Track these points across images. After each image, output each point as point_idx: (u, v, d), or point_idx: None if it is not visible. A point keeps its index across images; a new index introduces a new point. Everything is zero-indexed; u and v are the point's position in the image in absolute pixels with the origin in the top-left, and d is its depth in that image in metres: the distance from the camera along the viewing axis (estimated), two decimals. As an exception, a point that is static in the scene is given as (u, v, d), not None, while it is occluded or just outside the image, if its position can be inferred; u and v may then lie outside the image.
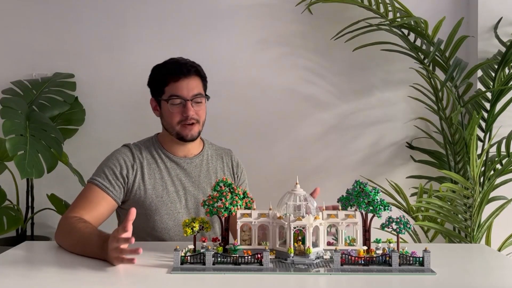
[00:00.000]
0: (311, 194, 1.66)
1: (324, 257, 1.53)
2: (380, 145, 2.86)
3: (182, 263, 1.45)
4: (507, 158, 2.43)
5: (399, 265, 1.45)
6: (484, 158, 2.47)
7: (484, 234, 2.42)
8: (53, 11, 2.83)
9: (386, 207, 1.51)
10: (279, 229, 1.53)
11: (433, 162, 2.74)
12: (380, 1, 2.64)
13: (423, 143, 2.82)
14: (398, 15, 2.61)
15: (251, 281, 1.38)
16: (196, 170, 1.99)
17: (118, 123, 2.83)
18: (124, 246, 1.44)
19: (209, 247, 1.49)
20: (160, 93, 1.94)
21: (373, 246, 1.54)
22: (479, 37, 2.71)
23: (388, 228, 1.49)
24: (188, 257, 1.46)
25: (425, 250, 1.47)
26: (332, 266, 1.45)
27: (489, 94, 2.57)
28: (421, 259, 1.46)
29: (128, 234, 1.44)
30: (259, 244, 1.54)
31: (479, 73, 2.62)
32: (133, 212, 1.48)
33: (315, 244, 1.52)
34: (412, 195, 2.66)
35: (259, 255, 1.45)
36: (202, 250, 1.47)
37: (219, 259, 1.46)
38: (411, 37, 2.65)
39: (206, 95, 1.98)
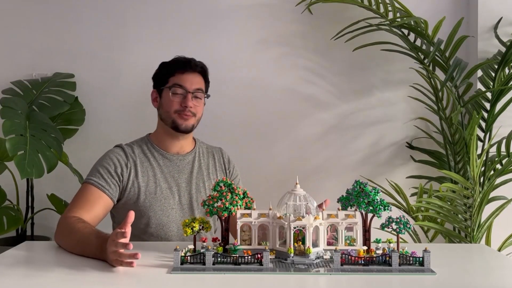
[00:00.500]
0: (320, 206, 1.66)
1: (324, 257, 1.53)
2: (380, 145, 2.86)
3: (182, 263, 1.45)
4: (507, 158, 2.43)
5: (399, 265, 1.45)
6: (484, 158, 2.47)
7: (484, 234, 2.42)
8: (53, 11, 2.83)
9: (386, 207, 1.51)
10: (279, 229, 1.53)
11: (433, 162, 2.74)
12: (380, 1, 2.64)
13: (423, 143, 2.82)
14: (398, 15, 2.61)
15: (251, 281, 1.38)
16: (189, 167, 2.04)
17: (118, 123, 2.83)
18: (122, 250, 1.44)
19: (209, 247, 1.49)
20: (164, 83, 2.01)
21: (373, 246, 1.54)
22: (479, 37, 2.70)
23: (388, 228, 1.49)
24: (188, 257, 1.46)
25: (425, 250, 1.47)
26: (332, 266, 1.45)
27: (489, 94, 2.57)
28: (421, 259, 1.46)
29: (126, 240, 1.44)
30: (259, 244, 1.54)
31: (479, 73, 2.62)
32: (131, 215, 1.48)
33: (315, 244, 1.52)
34: (412, 195, 2.66)
35: (259, 255, 1.45)
36: (202, 250, 1.47)
37: (219, 259, 1.46)
38: (411, 37, 2.65)
39: (206, 95, 2.05)
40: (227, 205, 1.51)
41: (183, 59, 2.04)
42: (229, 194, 1.53)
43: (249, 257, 1.45)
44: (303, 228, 1.48)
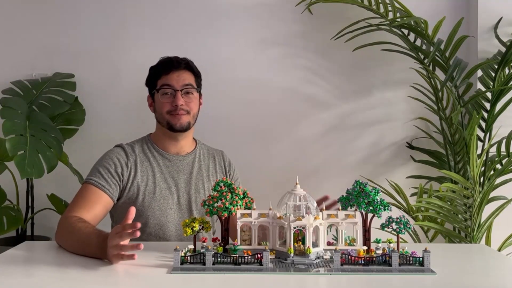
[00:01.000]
0: (319, 203, 1.65)
1: (324, 257, 1.53)
2: (380, 145, 2.86)
3: (182, 263, 1.45)
4: (507, 158, 2.43)
5: (399, 265, 1.45)
6: (484, 158, 2.47)
7: (484, 234, 2.42)
8: (53, 11, 2.83)
9: (386, 207, 1.51)
10: (279, 229, 1.53)
11: (433, 162, 2.74)
12: (380, 1, 2.63)
13: (423, 143, 2.82)
14: (398, 15, 2.61)
15: (251, 281, 1.38)
16: (188, 168, 2.03)
17: (118, 123, 2.83)
18: (125, 242, 1.45)
19: (209, 247, 1.49)
20: (154, 86, 2.03)
21: (373, 246, 1.54)
22: (479, 37, 2.70)
23: (388, 228, 1.49)
24: (188, 257, 1.46)
25: (425, 250, 1.47)
26: (332, 266, 1.45)
27: (489, 94, 2.57)
28: (421, 259, 1.46)
29: (134, 225, 1.44)
30: (259, 244, 1.54)
31: (479, 73, 2.62)
32: (132, 211, 1.50)
33: (315, 244, 1.52)
34: (412, 195, 2.66)
35: (259, 255, 1.45)
36: (202, 250, 1.47)
37: (219, 259, 1.46)
38: (411, 37, 2.65)
39: (198, 89, 2.04)
40: (227, 205, 1.51)
41: (167, 59, 2.04)
42: (229, 194, 1.53)
43: (249, 257, 1.45)
44: (303, 228, 1.48)
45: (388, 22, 2.62)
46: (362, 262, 1.46)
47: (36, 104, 2.67)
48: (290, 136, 2.86)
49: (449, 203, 2.38)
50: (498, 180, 2.46)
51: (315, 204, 1.56)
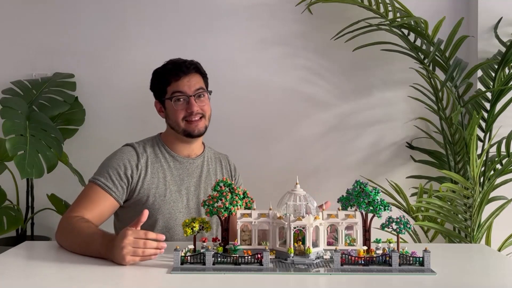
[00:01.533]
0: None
1: (324, 257, 1.53)
2: (380, 145, 2.86)
3: (182, 263, 1.45)
4: (507, 158, 2.43)
5: (399, 265, 1.45)
6: (484, 158, 2.47)
7: (484, 234, 2.42)
8: (53, 11, 2.83)
9: (386, 207, 1.51)
10: (279, 229, 1.53)
11: (433, 162, 2.74)
12: (380, 1, 2.64)
13: (423, 143, 2.82)
14: (398, 15, 2.61)
15: (251, 281, 1.38)
16: (198, 171, 2.01)
17: (118, 123, 2.83)
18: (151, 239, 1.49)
19: (209, 247, 1.49)
20: (163, 94, 1.96)
21: (373, 246, 1.54)
22: (479, 37, 2.70)
23: (388, 228, 1.49)
24: (188, 257, 1.46)
25: (425, 250, 1.47)
26: (332, 266, 1.45)
27: (489, 94, 2.57)
28: (421, 259, 1.46)
29: (153, 235, 1.49)
30: (259, 244, 1.54)
31: (479, 73, 2.62)
32: (145, 214, 1.52)
33: (315, 244, 1.52)
34: (412, 195, 2.67)
35: (259, 255, 1.45)
36: (202, 250, 1.47)
37: (219, 259, 1.46)
38: (411, 37, 2.65)
39: (208, 90, 2.01)
40: (227, 205, 1.51)
41: (174, 64, 1.97)
42: (229, 194, 1.53)
43: (249, 257, 1.45)
44: (303, 228, 1.48)
45: (388, 22, 2.62)
46: (362, 262, 1.46)
47: (36, 104, 2.67)
48: (290, 136, 2.86)
49: (449, 203, 2.38)
50: (498, 180, 2.46)
51: (315, 204, 1.56)
